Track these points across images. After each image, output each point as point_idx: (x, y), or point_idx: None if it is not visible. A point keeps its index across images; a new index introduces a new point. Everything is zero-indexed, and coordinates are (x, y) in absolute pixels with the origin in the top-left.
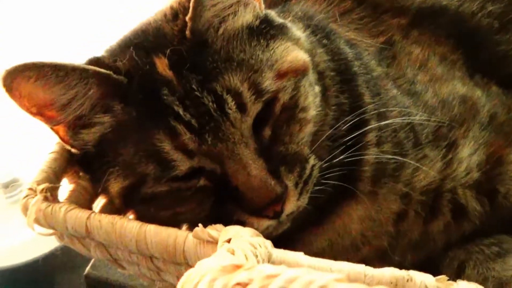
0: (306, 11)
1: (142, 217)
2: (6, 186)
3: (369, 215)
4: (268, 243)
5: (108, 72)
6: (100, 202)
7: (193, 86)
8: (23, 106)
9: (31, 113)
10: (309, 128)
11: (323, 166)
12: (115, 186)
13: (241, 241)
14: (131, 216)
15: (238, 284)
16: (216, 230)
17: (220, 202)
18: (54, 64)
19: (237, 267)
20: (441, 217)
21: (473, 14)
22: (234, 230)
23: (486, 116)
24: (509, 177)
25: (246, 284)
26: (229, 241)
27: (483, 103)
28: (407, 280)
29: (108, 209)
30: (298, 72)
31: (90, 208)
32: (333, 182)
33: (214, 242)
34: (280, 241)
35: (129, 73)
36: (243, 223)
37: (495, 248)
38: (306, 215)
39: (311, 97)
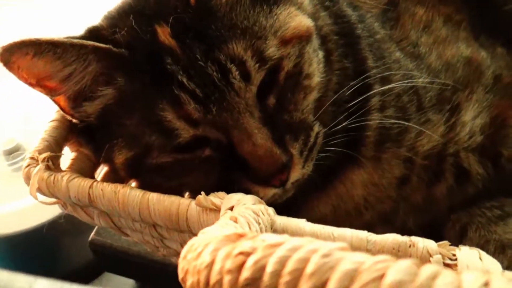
0: None
1: (146, 186)
2: (9, 153)
3: (371, 180)
4: (271, 210)
5: (107, 46)
6: (102, 169)
7: (197, 56)
8: (22, 77)
9: (30, 84)
10: (314, 95)
11: (327, 132)
12: (120, 157)
13: (243, 209)
14: (133, 184)
15: (241, 253)
16: (218, 198)
17: (225, 172)
18: (52, 41)
19: (240, 236)
20: (444, 181)
21: None
22: (237, 198)
23: (490, 78)
24: None
25: (249, 253)
26: (231, 208)
27: (488, 64)
28: (409, 246)
29: (111, 177)
30: (302, 39)
31: (92, 176)
32: (337, 148)
33: (217, 209)
34: (284, 207)
35: (129, 44)
36: (248, 192)
37: (497, 211)
38: (309, 181)
39: (315, 63)
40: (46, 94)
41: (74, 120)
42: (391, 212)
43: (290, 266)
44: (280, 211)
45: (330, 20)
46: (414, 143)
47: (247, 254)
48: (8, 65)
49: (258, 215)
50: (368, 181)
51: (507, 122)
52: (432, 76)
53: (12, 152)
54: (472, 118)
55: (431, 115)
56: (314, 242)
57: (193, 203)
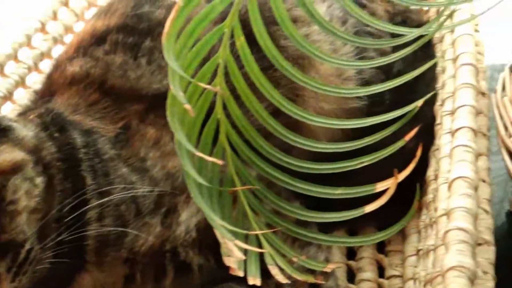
0: (48, 107)
1: None
2: None
3: (99, 282)
4: None
5: None
6: None
7: None
8: None
9: None
10: (23, 218)
11: (49, 244)
12: None
13: None
14: None
15: None
16: None
17: None
18: None
19: None
20: (168, 274)
21: None
22: None
23: None
24: None
25: None
26: None
27: None
28: None
29: None
30: (6, 172)
31: None
32: (61, 259)
33: None
34: None
35: None
36: None
37: None
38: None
39: (23, 190)
40: None
41: None
42: None
43: None
44: None
45: (55, 149)
46: (132, 245)
47: None
48: None
49: None
50: (95, 283)
51: None
52: (153, 185)
53: None
54: (188, 217)
55: (149, 219)
56: None
57: None
